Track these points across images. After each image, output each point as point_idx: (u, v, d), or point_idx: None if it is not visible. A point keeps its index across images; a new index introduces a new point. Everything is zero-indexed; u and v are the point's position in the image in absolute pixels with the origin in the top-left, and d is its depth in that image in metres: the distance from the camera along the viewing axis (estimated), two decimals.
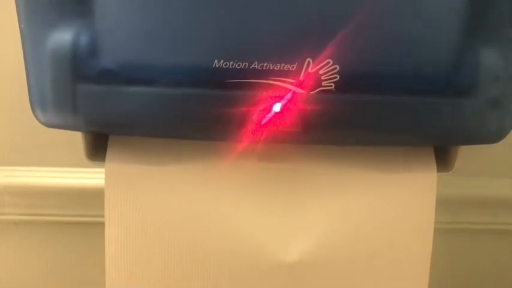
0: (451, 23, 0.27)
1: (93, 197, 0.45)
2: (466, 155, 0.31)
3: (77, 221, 0.48)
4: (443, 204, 0.38)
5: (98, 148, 0.32)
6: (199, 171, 0.32)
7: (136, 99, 0.28)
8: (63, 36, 0.27)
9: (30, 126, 0.38)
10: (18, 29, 0.28)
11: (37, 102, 0.29)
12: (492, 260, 0.52)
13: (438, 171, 0.31)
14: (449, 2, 0.26)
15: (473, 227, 0.49)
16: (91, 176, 0.46)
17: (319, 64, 0.27)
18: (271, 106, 0.28)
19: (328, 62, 0.27)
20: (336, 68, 0.27)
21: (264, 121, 0.28)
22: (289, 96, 0.28)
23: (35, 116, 0.29)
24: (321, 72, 0.27)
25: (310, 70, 0.27)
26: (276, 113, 0.28)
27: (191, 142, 0.32)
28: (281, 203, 0.31)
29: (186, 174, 0.32)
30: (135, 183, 0.32)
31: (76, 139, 0.32)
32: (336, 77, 0.27)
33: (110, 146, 0.32)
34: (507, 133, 0.29)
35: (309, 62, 0.27)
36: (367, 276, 0.32)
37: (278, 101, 0.28)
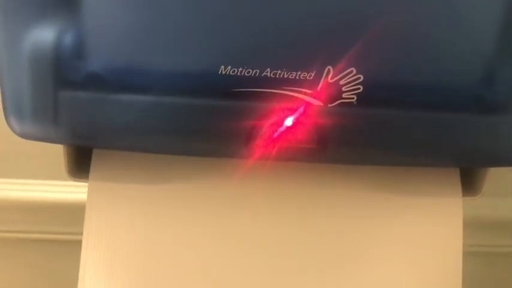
0: (485, 33, 0.24)
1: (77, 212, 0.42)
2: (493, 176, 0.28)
3: (58, 239, 0.44)
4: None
5: (80, 163, 0.28)
6: (189, 192, 0.28)
7: (128, 109, 0.24)
8: (44, 35, 0.23)
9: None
10: None
11: (12, 110, 0.25)
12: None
13: (464, 195, 0.28)
14: (484, 9, 0.24)
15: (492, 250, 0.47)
16: (73, 190, 0.42)
17: (341, 73, 0.23)
18: (283, 119, 0.25)
19: (351, 71, 0.23)
20: (359, 78, 0.23)
21: (274, 136, 0.25)
22: (304, 108, 0.24)
23: (10, 126, 0.25)
24: (342, 82, 0.23)
25: (329, 80, 0.23)
26: (289, 128, 0.25)
27: (184, 158, 0.28)
28: (284, 234, 0.28)
29: (176, 194, 0.28)
30: (119, 203, 0.28)
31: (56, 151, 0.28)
32: (358, 88, 0.24)
33: (94, 162, 0.28)
34: None
35: (329, 70, 0.23)
36: None
37: (291, 114, 0.24)
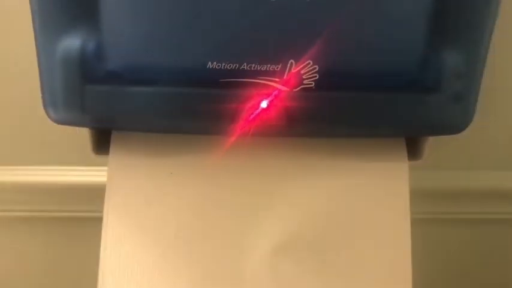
0: (417, 26, 0.31)
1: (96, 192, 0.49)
2: (437, 146, 0.35)
3: (81, 216, 0.51)
4: (425, 196, 0.42)
5: (102, 143, 0.35)
6: (196, 165, 0.35)
7: (139, 97, 0.31)
8: (72, 42, 0.31)
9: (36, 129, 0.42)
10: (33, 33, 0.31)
11: (49, 101, 0.32)
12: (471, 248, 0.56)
13: (409, 159, 0.35)
14: (415, 7, 0.30)
15: (452, 217, 0.53)
16: (93, 174, 0.49)
17: (301, 65, 0.30)
18: (259, 103, 0.32)
19: (309, 63, 0.30)
20: (315, 68, 0.30)
21: (252, 116, 0.32)
22: (274, 93, 0.31)
23: (47, 114, 0.32)
24: (302, 72, 0.30)
25: (292, 70, 0.30)
26: (263, 109, 0.32)
27: (188, 137, 0.35)
28: (267, 188, 0.35)
29: (184, 167, 0.35)
30: (136, 174, 0.35)
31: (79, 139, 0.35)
32: (315, 76, 0.31)
33: (113, 141, 0.35)
34: (468, 125, 0.33)
35: (291, 63, 0.30)
36: (349, 258, 0.35)
37: (265, 98, 0.31)
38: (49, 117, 0.33)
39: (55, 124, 0.33)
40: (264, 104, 0.32)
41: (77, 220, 0.52)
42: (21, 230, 0.53)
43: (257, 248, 0.34)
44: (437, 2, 0.30)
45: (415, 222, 0.36)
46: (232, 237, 0.35)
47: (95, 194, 0.48)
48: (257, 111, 0.32)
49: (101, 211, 0.36)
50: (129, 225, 0.35)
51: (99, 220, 0.41)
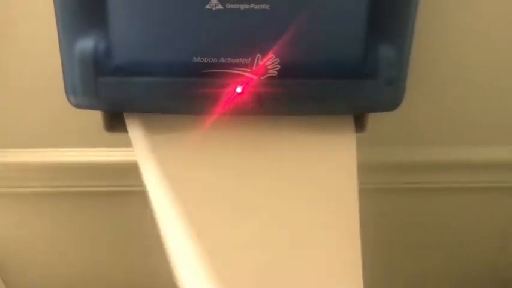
0: (356, 26, 0.39)
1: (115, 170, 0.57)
2: (379, 121, 0.44)
3: (104, 191, 0.60)
4: (376, 168, 0.50)
5: (113, 124, 0.44)
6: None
7: (141, 86, 0.40)
8: (87, 44, 0.39)
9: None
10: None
11: (70, 90, 0.41)
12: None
13: (356, 132, 0.44)
14: (354, 11, 0.39)
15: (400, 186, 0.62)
16: (109, 154, 0.58)
17: (266, 58, 0.39)
18: (234, 88, 0.40)
19: (272, 57, 0.39)
20: (277, 60, 0.39)
21: (230, 98, 0.41)
22: (246, 81, 0.40)
23: (68, 100, 0.41)
24: (267, 64, 0.39)
25: (260, 63, 0.39)
26: (238, 93, 0.40)
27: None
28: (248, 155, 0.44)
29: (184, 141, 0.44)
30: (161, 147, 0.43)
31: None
32: (278, 67, 0.39)
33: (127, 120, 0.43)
34: (400, 103, 0.42)
35: (259, 57, 0.39)
36: (303, 216, 0.44)
37: (239, 85, 0.40)
38: (70, 103, 0.41)
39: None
40: (238, 89, 0.40)
41: (95, 194, 0.61)
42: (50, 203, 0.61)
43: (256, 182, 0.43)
44: (371, 7, 0.39)
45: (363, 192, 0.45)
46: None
47: (106, 171, 0.57)
48: (234, 95, 0.41)
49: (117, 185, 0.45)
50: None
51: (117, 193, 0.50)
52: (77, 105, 0.42)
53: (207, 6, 0.37)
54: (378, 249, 0.59)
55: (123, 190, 0.58)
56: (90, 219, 0.63)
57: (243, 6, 0.37)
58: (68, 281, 0.67)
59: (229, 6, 0.37)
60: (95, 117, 0.44)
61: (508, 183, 0.63)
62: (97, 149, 0.57)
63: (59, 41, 0.40)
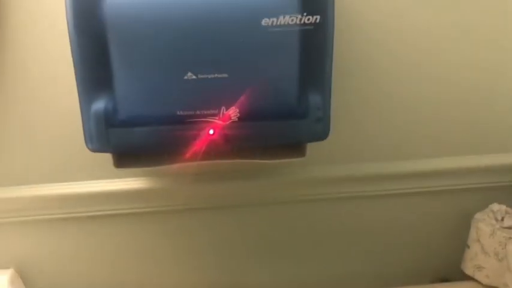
0: (291, 84, 0.56)
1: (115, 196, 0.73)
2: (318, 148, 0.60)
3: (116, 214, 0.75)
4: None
5: (121, 162, 0.59)
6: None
7: (140, 134, 0.56)
8: (99, 104, 0.55)
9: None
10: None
11: (88, 138, 0.56)
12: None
13: (299, 157, 0.60)
14: (289, 75, 0.55)
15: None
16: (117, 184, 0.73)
17: (228, 109, 0.55)
18: (208, 131, 0.56)
19: (234, 108, 0.55)
20: (237, 110, 0.55)
21: (204, 137, 0.56)
22: (216, 125, 0.56)
23: (87, 146, 0.57)
24: (230, 113, 0.55)
25: (225, 112, 0.55)
26: (210, 134, 0.56)
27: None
28: None
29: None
30: None
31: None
32: (238, 114, 0.55)
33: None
34: (327, 136, 0.58)
35: (223, 108, 0.55)
36: None
37: (212, 128, 0.56)
38: (88, 148, 0.57)
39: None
40: (211, 132, 0.56)
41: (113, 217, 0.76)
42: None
43: None
44: (300, 71, 0.55)
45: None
46: None
47: (115, 197, 0.72)
48: (207, 136, 0.57)
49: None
50: None
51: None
52: (93, 150, 0.57)
53: (185, 77, 0.53)
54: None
55: (131, 212, 0.74)
56: (108, 239, 0.77)
57: (209, 76, 0.53)
58: None
59: (200, 76, 0.53)
60: (104, 157, 0.60)
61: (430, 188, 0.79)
62: (108, 180, 0.73)
63: (79, 102, 0.55)
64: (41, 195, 0.71)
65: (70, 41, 0.52)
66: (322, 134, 0.58)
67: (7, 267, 0.78)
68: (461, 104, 0.74)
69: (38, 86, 0.65)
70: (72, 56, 0.53)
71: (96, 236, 0.76)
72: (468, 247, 0.79)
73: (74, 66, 0.54)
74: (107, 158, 0.59)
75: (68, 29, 0.52)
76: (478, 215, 0.77)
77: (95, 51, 0.53)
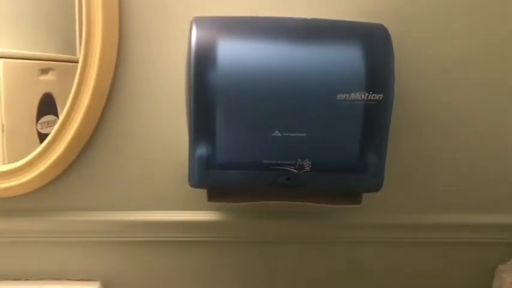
0: (354, 144, 0.70)
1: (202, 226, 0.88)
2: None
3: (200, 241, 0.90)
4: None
5: (213, 197, 0.74)
6: None
7: (232, 175, 0.71)
8: (202, 149, 0.71)
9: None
10: None
11: (191, 177, 0.72)
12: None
13: (356, 204, 0.74)
14: (353, 137, 0.70)
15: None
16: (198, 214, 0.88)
17: (303, 161, 0.70)
18: (285, 177, 0.71)
19: (307, 160, 0.70)
20: (310, 162, 0.70)
21: (283, 184, 0.71)
22: (292, 173, 0.71)
23: (189, 183, 0.72)
24: (304, 164, 0.70)
25: (299, 163, 0.70)
26: (287, 180, 0.71)
27: None
28: None
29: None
30: None
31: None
32: (310, 165, 0.70)
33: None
34: (380, 188, 0.72)
35: (299, 160, 0.70)
36: None
37: (289, 175, 0.71)
38: (190, 185, 0.72)
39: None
40: (288, 178, 0.71)
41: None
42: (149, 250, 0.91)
43: None
44: (363, 133, 0.70)
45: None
46: None
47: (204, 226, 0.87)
48: (285, 182, 0.71)
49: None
50: None
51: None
52: (193, 186, 0.72)
53: (273, 134, 0.69)
54: None
55: (213, 240, 0.89)
56: (180, 263, 0.92)
57: (291, 134, 0.69)
58: None
59: (284, 134, 0.69)
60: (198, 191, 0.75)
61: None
62: (201, 211, 0.89)
63: (189, 146, 0.71)
64: (137, 220, 0.87)
65: (189, 99, 0.69)
66: (376, 186, 0.72)
67: (95, 280, 0.92)
68: (491, 164, 0.88)
69: (152, 127, 0.84)
70: (189, 110, 0.69)
71: (172, 258, 0.91)
72: None
73: (189, 117, 0.70)
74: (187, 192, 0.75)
75: (190, 89, 0.68)
76: (501, 266, 0.88)
77: (207, 108, 0.69)
